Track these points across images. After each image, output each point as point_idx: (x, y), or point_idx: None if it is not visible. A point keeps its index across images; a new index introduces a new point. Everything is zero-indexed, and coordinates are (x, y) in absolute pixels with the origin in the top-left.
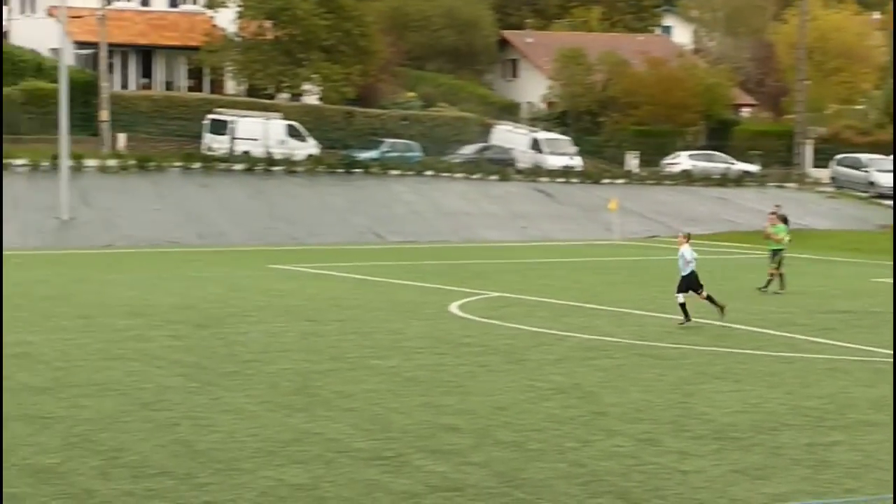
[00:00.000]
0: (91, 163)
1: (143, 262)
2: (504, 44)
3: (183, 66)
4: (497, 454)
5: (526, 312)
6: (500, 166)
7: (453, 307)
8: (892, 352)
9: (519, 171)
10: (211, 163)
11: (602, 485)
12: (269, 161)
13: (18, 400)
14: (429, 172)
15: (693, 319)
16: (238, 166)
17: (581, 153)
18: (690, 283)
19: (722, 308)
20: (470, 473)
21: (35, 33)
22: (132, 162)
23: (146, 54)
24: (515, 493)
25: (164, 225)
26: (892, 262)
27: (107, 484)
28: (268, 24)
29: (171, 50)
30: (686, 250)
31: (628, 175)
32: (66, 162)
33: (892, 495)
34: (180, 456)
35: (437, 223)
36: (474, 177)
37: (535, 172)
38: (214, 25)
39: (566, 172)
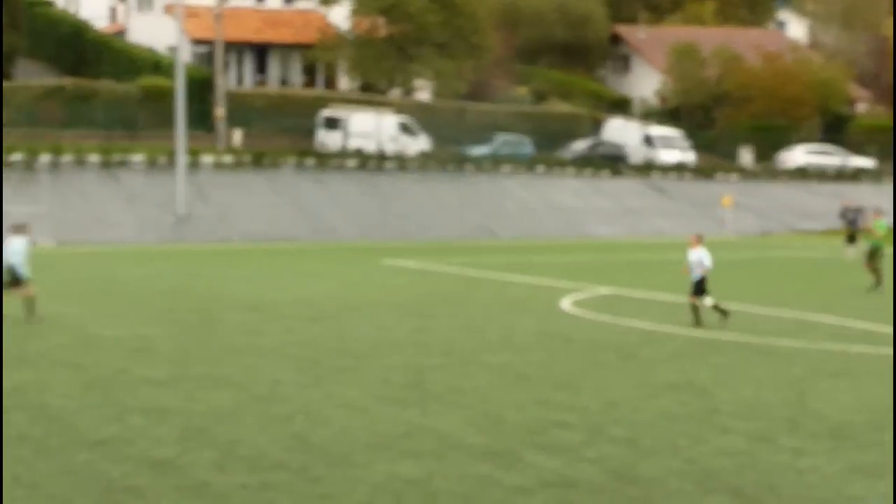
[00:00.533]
0: (207, 159)
1: (258, 258)
2: (616, 39)
3: (297, 63)
4: (609, 450)
5: (638, 309)
6: (612, 162)
7: (564, 303)
8: None
9: (631, 167)
10: (324, 159)
11: (715, 482)
12: (382, 157)
13: (137, 393)
14: (540, 168)
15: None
16: (351, 162)
17: (694, 148)
18: (699, 286)
19: (716, 316)
20: (582, 469)
21: (152, 31)
22: (247, 158)
23: (261, 51)
24: (628, 489)
25: (278, 221)
26: None
27: (223, 476)
28: (381, 20)
29: (286, 47)
30: (699, 253)
31: (742, 170)
32: (182, 158)
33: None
34: (295, 449)
35: (549, 219)
36: (586, 172)
37: (648, 168)
38: (328, 23)
39: (679, 168)
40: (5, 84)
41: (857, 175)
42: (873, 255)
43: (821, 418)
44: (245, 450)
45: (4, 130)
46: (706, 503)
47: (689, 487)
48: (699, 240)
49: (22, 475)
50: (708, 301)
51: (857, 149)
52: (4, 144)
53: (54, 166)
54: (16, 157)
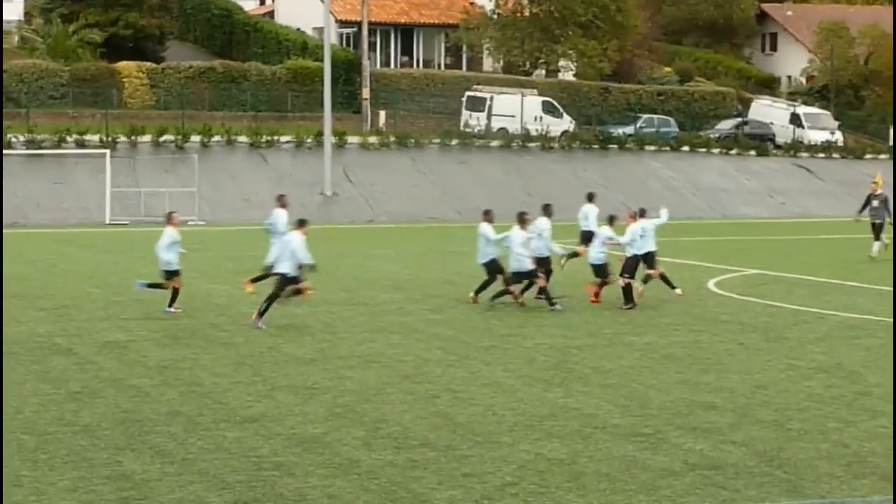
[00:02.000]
0: (353, 140)
1: (403, 238)
2: (763, 17)
3: (441, 43)
4: (757, 433)
5: (785, 290)
6: (759, 141)
7: (710, 284)
8: None
9: (778, 147)
10: (468, 139)
11: (866, 466)
12: (526, 137)
13: (285, 371)
14: (685, 148)
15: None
16: (494, 143)
17: (842, 128)
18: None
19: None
20: (730, 452)
21: (300, 12)
22: (392, 139)
23: (406, 32)
24: (777, 472)
25: (422, 201)
26: None
27: (370, 454)
28: (525, 0)
29: (431, 28)
30: (633, 228)
31: (892, 150)
32: (329, 139)
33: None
34: (441, 428)
35: (694, 199)
36: (732, 152)
37: (795, 147)
38: (472, 3)
39: (827, 147)
40: (158, 66)
41: None
42: None
43: None
44: (391, 428)
45: (157, 112)
46: (856, 487)
47: (840, 471)
48: (634, 217)
49: (173, 451)
50: (623, 282)
51: None
52: (157, 125)
53: (204, 147)
54: (167, 137)
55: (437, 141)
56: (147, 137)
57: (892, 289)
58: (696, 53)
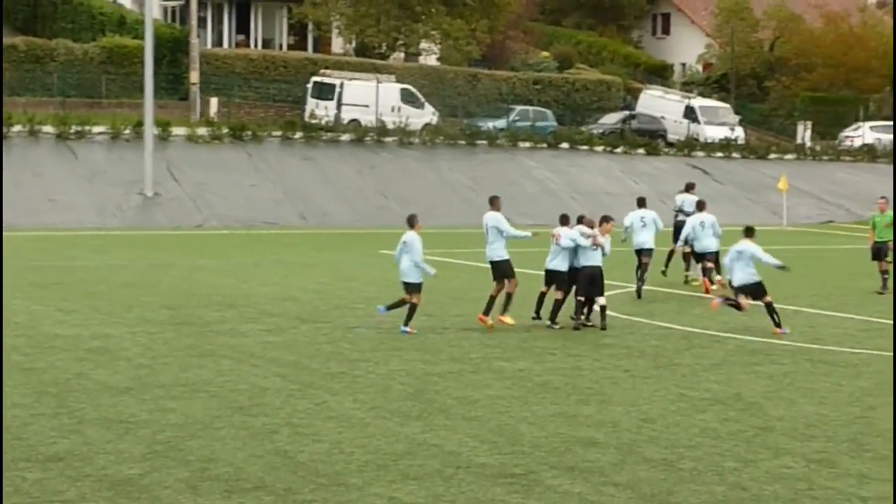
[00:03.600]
0: (179, 131)
1: (238, 246)
2: None
3: (284, 20)
4: (643, 473)
5: (677, 309)
6: (648, 138)
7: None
8: None
9: (670, 144)
10: (315, 132)
11: None
12: (381, 131)
13: (97, 401)
14: (564, 145)
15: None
16: (345, 137)
17: (744, 123)
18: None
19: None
20: (612, 496)
21: None
22: (225, 131)
23: (242, 7)
24: None
25: (261, 203)
26: None
27: (196, 499)
28: None
29: (271, 2)
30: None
31: (800, 150)
32: (150, 130)
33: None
34: (279, 468)
35: (574, 204)
36: (617, 150)
37: (690, 146)
38: None
39: (726, 146)
40: None
41: None
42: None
43: (890, 439)
44: (221, 468)
45: None
46: None
47: None
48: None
49: None
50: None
51: None
52: None
53: (3, 138)
54: None
55: (278, 134)
56: None
57: (801, 308)
58: (578, 36)
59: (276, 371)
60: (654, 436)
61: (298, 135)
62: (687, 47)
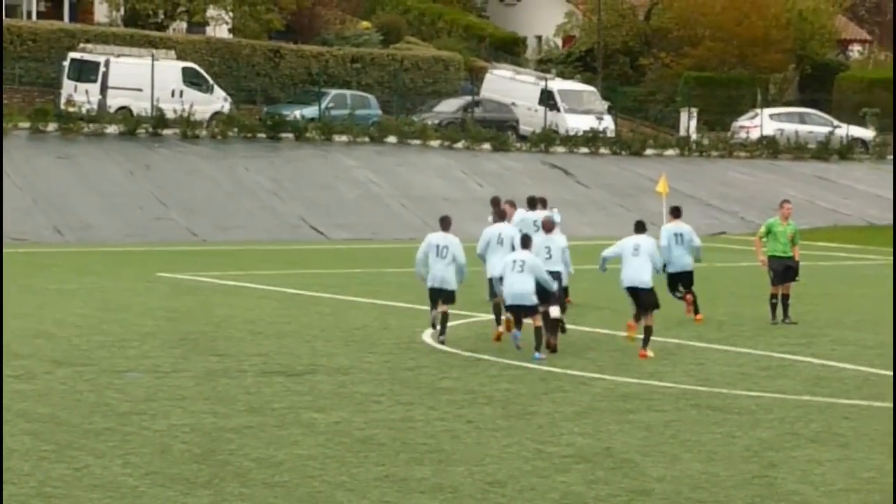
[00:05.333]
0: None
1: None
2: None
3: None
4: None
5: (531, 344)
6: (496, 130)
7: (426, 335)
8: None
9: (523, 138)
10: (73, 123)
11: None
12: (159, 121)
13: None
14: (391, 139)
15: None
16: (112, 129)
17: (614, 111)
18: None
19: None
20: None
21: None
22: None
23: None
24: None
25: (5, 213)
26: None
27: None
28: None
29: None
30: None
31: (684, 144)
32: None
33: None
34: None
35: (404, 213)
36: (458, 145)
37: (547, 139)
38: None
39: (592, 139)
40: None
41: (849, 150)
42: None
43: (796, 503)
44: None
45: None
46: None
47: None
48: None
49: None
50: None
51: (850, 113)
52: None
53: None
54: None
55: (26, 126)
56: None
57: (685, 341)
58: (407, 2)
59: (24, 427)
60: (502, 503)
61: (52, 126)
62: (543, 17)
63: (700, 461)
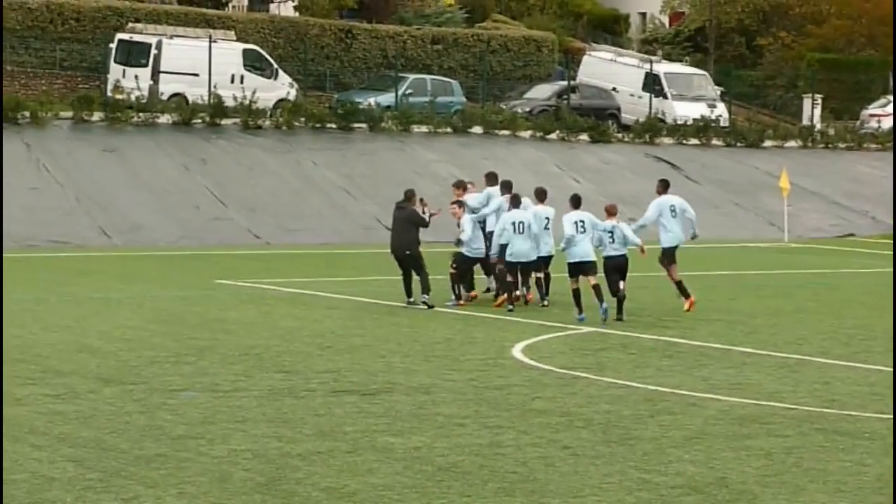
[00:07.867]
0: None
1: (13, 274)
2: None
3: None
4: None
5: (636, 360)
6: (595, 119)
7: (517, 349)
8: None
9: (625, 128)
10: (121, 113)
11: None
12: (217, 110)
13: None
14: (477, 129)
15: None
16: (165, 119)
17: (728, 98)
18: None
19: None
20: None
21: None
22: None
23: None
24: None
25: (45, 213)
26: None
27: None
28: None
29: None
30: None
31: (807, 134)
32: None
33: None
34: None
35: None
36: (551, 136)
37: (652, 129)
38: None
39: (703, 129)
40: None
41: None
42: None
43: None
44: None
45: None
46: None
47: None
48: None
49: None
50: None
51: None
52: None
53: None
54: None
55: (68, 116)
56: None
57: (810, 357)
58: None
59: (67, 454)
60: None
61: (97, 116)
62: None
63: (826, 493)
